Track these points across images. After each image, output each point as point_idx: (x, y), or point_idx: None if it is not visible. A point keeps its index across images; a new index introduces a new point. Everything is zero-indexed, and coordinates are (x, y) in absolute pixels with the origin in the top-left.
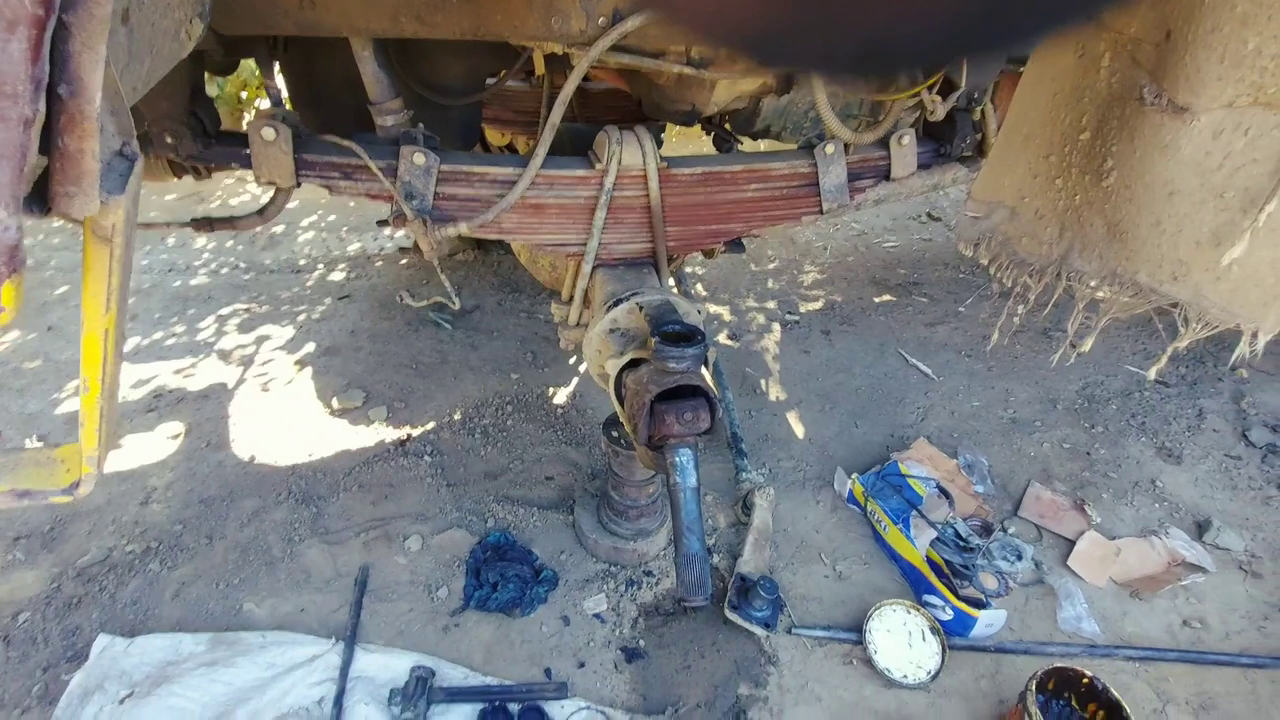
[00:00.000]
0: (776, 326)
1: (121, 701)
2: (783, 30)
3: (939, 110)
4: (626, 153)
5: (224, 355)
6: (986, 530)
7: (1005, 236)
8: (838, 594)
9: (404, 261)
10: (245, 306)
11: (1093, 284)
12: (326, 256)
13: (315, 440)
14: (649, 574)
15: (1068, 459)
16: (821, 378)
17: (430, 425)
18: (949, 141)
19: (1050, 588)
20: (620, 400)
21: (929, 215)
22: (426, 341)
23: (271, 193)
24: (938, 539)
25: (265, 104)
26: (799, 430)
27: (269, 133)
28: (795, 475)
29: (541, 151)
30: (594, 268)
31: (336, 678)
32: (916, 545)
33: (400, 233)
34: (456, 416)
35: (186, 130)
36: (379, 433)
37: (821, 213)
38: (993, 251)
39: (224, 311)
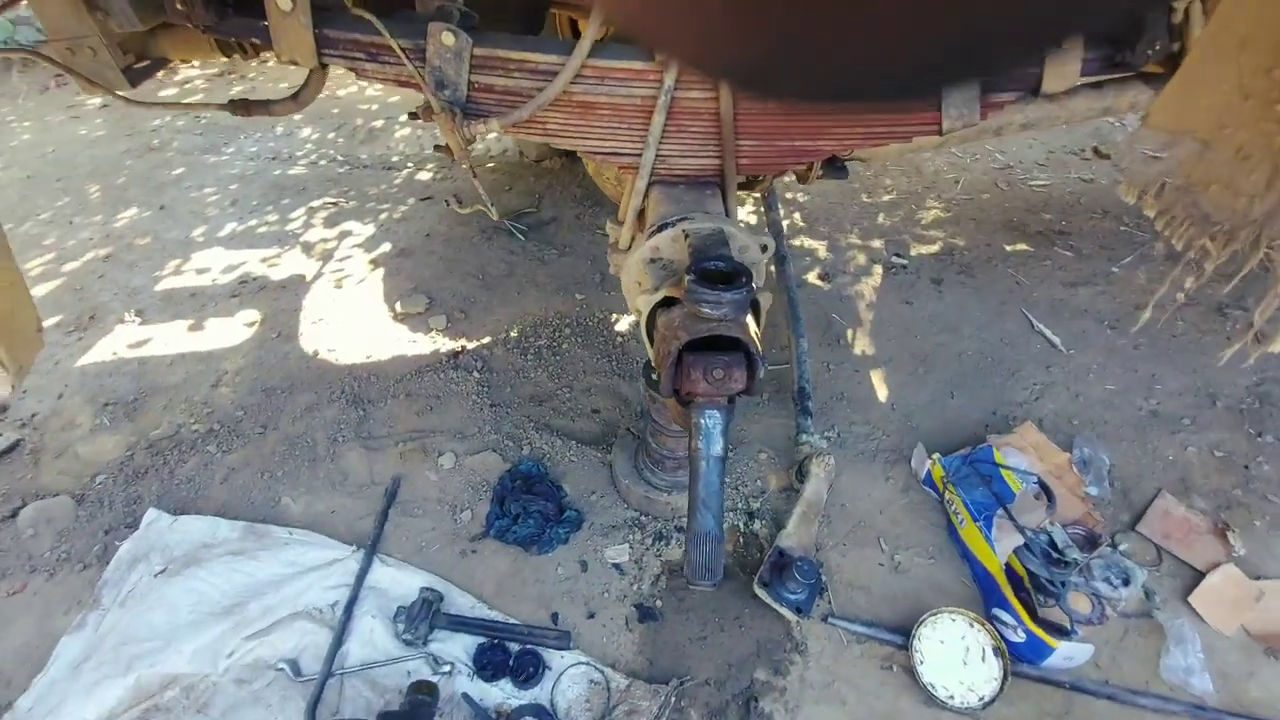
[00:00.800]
0: (878, 270)
1: (156, 575)
2: (767, 64)
3: None
4: None
5: (307, 248)
6: (1091, 543)
7: (1187, 180)
8: (891, 587)
9: (490, 165)
10: (334, 200)
11: None
12: (418, 155)
13: (375, 343)
14: (681, 529)
15: (1217, 470)
16: (921, 335)
17: (486, 340)
18: (1129, 47)
19: (1159, 625)
20: (652, 343)
21: (1095, 150)
22: (497, 251)
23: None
24: (1024, 546)
25: None
26: (882, 393)
27: (285, 2)
28: (867, 444)
29: (590, 34)
30: (650, 184)
31: (351, 584)
32: (996, 550)
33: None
34: (513, 334)
35: None
36: (435, 342)
37: (940, 133)
38: (1165, 201)
39: (315, 204)
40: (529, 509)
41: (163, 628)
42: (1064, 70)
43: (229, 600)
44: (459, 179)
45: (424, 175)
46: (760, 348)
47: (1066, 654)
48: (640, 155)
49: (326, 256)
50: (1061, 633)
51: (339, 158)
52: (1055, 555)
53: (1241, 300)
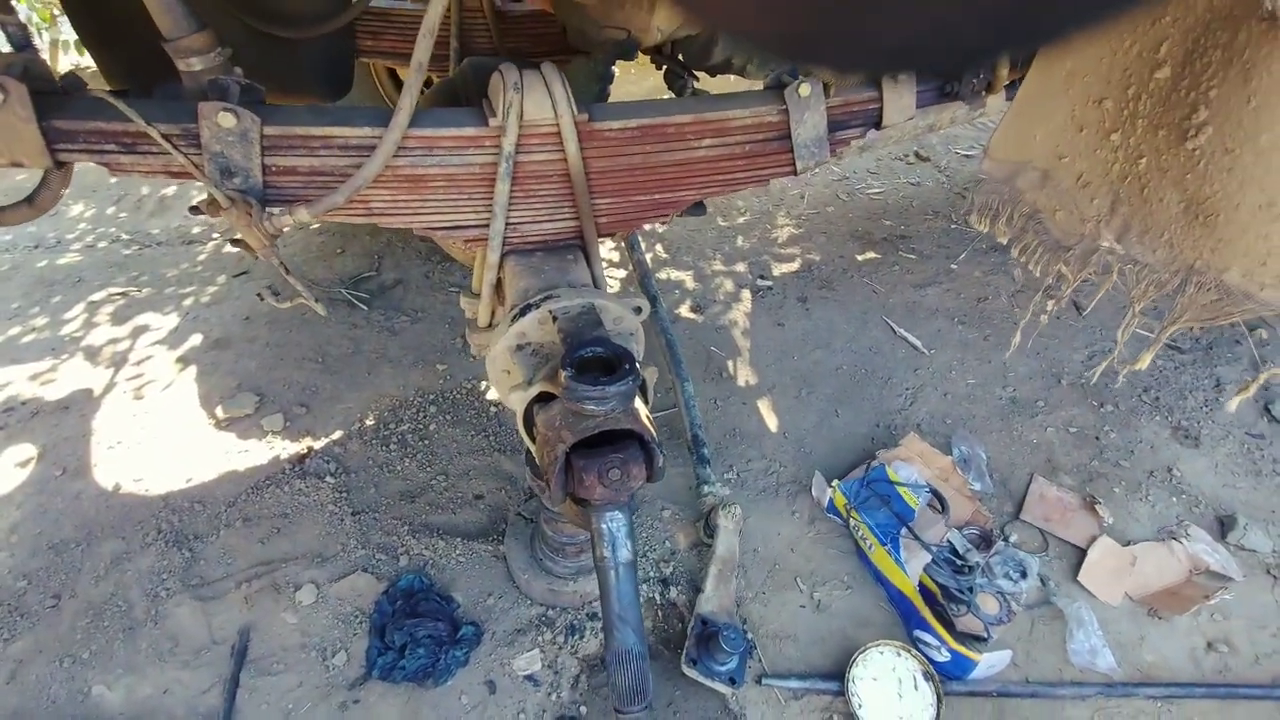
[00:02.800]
0: (747, 294)
1: None
2: (815, 32)
3: None
4: (530, 102)
5: (92, 354)
6: (986, 541)
7: (1034, 208)
8: (816, 629)
9: (315, 226)
10: (122, 290)
11: (1155, 280)
12: (225, 223)
13: (195, 461)
14: (594, 616)
15: (1074, 446)
16: (798, 356)
17: (336, 435)
18: (957, 79)
19: (1059, 610)
20: (533, 440)
21: (917, 155)
22: (337, 327)
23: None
24: (933, 562)
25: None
26: (772, 422)
27: None
28: (767, 479)
29: (408, 103)
30: (504, 255)
31: None
32: (907, 571)
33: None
34: (369, 422)
35: None
36: (273, 447)
37: (795, 172)
38: (1015, 227)
39: (96, 297)
40: (417, 635)
41: None
42: (901, 105)
43: None
44: (280, 245)
45: (235, 247)
46: (655, 433)
47: (989, 663)
48: (488, 226)
49: (119, 361)
50: (980, 641)
51: (123, 236)
52: (959, 562)
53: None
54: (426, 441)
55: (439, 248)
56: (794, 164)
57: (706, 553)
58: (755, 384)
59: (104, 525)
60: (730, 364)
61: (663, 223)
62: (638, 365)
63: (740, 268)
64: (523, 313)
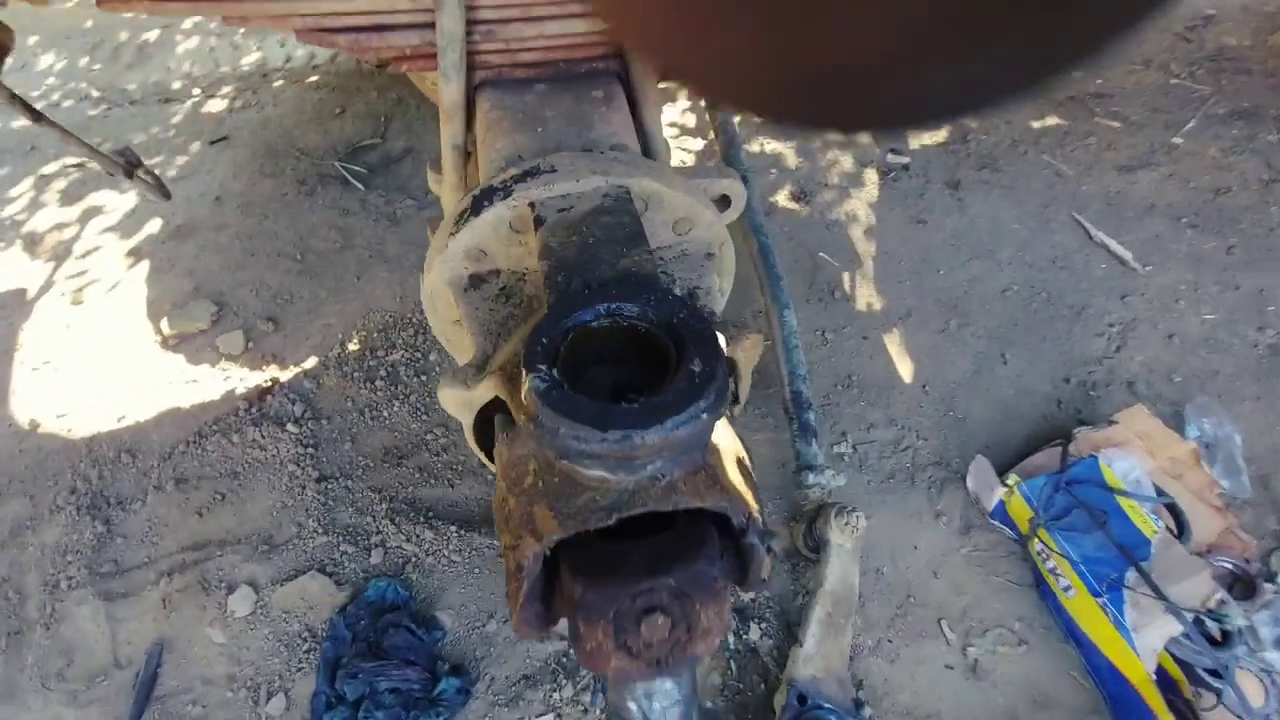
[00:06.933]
0: (872, 176)
1: None
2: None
3: None
4: None
5: (33, 242)
6: (1245, 583)
7: None
8: (970, 706)
9: (313, 79)
10: (78, 162)
11: None
12: (210, 76)
13: (130, 392)
14: None
15: None
16: (945, 269)
17: (308, 363)
18: None
19: None
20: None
21: None
22: (324, 212)
23: None
24: (1184, 635)
25: None
26: (905, 368)
27: None
28: (898, 457)
29: None
30: (477, 87)
31: None
32: (1137, 647)
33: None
34: (352, 346)
35: None
36: (228, 377)
37: None
38: None
39: (48, 170)
40: (378, 688)
41: None
42: None
43: None
44: (268, 105)
45: (217, 104)
46: (757, 506)
47: None
48: (432, 26)
49: (62, 254)
50: None
51: (94, 94)
52: (1214, 618)
53: None
54: (424, 378)
55: None
56: None
57: (806, 572)
58: (881, 309)
59: (12, 475)
60: (846, 279)
61: None
62: (720, 348)
63: (864, 138)
64: (475, 208)
